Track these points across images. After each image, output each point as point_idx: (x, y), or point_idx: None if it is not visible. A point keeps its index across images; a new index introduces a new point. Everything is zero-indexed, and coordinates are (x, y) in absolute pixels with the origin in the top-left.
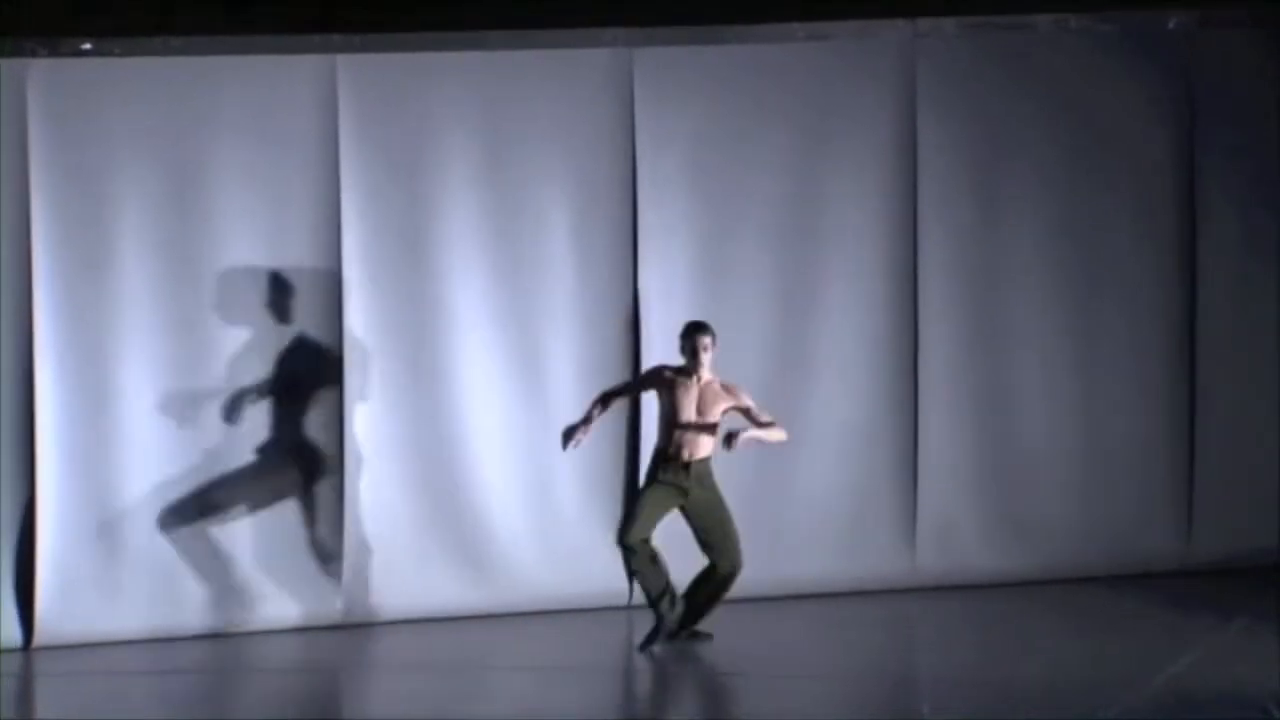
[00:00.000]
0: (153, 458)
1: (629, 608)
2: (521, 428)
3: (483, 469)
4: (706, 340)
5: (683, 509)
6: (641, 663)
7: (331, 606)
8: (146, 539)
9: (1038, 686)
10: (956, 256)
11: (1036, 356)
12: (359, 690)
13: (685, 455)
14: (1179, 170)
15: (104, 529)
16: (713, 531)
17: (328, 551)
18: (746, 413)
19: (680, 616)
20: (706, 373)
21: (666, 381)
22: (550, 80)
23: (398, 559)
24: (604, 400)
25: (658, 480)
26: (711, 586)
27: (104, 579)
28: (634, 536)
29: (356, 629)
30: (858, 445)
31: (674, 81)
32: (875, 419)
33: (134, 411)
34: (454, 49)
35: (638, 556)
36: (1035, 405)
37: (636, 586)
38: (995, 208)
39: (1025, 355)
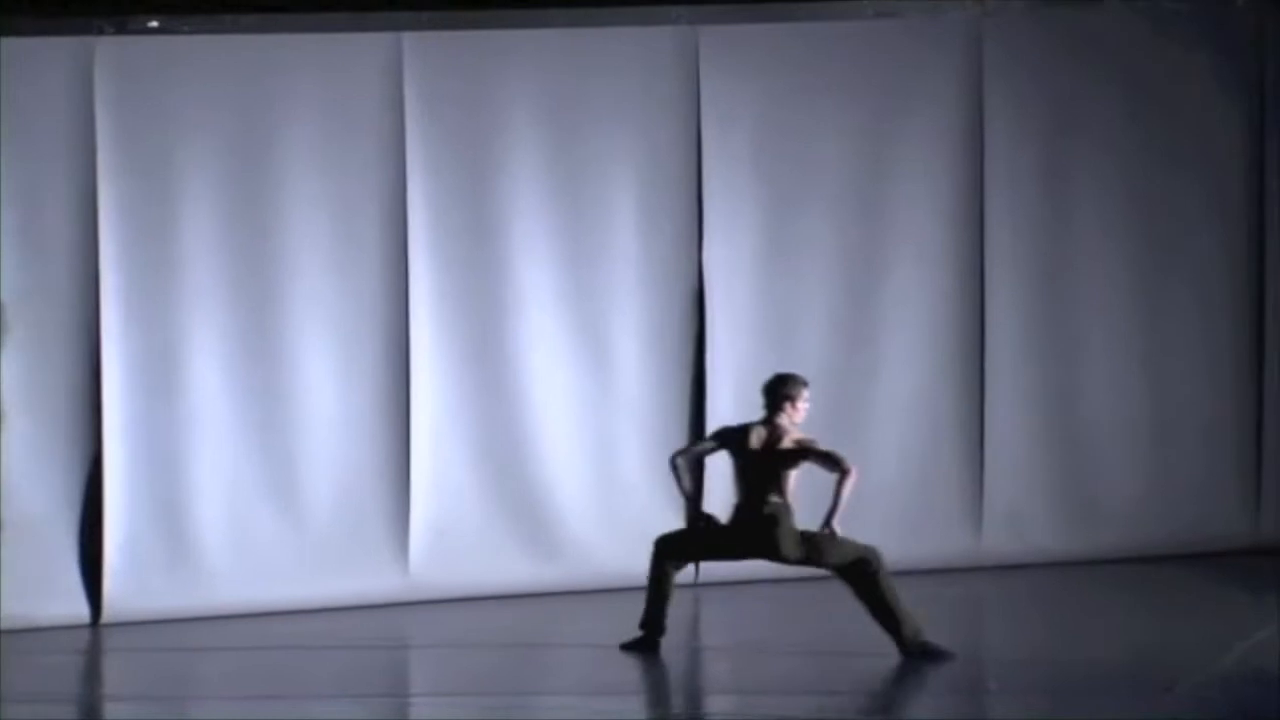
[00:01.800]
0: (220, 434)
1: (694, 585)
2: (587, 405)
3: (548, 446)
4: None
5: None
6: (707, 639)
7: (398, 583)
8: (214, 516)
9: (1105, 664)
10: (1023, 236)
11: (1103, 336)
12: (426, 667)
13: None
14: (1248, 149)
15: (172, 505)
16: None
17: (394, 529)
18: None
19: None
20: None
21: None
22: (616, 57)
23: (464, 537)
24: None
25: None
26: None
27: (172, 555)
28: None
29: (423, 606)
30: (924, 424)
31: (740, 59)
32: (942, 398)
33: (201, 388)
34: (520, 27)
35: None
36: (1102, 384)
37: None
38: (1062, 187)
39: (1092, 334)
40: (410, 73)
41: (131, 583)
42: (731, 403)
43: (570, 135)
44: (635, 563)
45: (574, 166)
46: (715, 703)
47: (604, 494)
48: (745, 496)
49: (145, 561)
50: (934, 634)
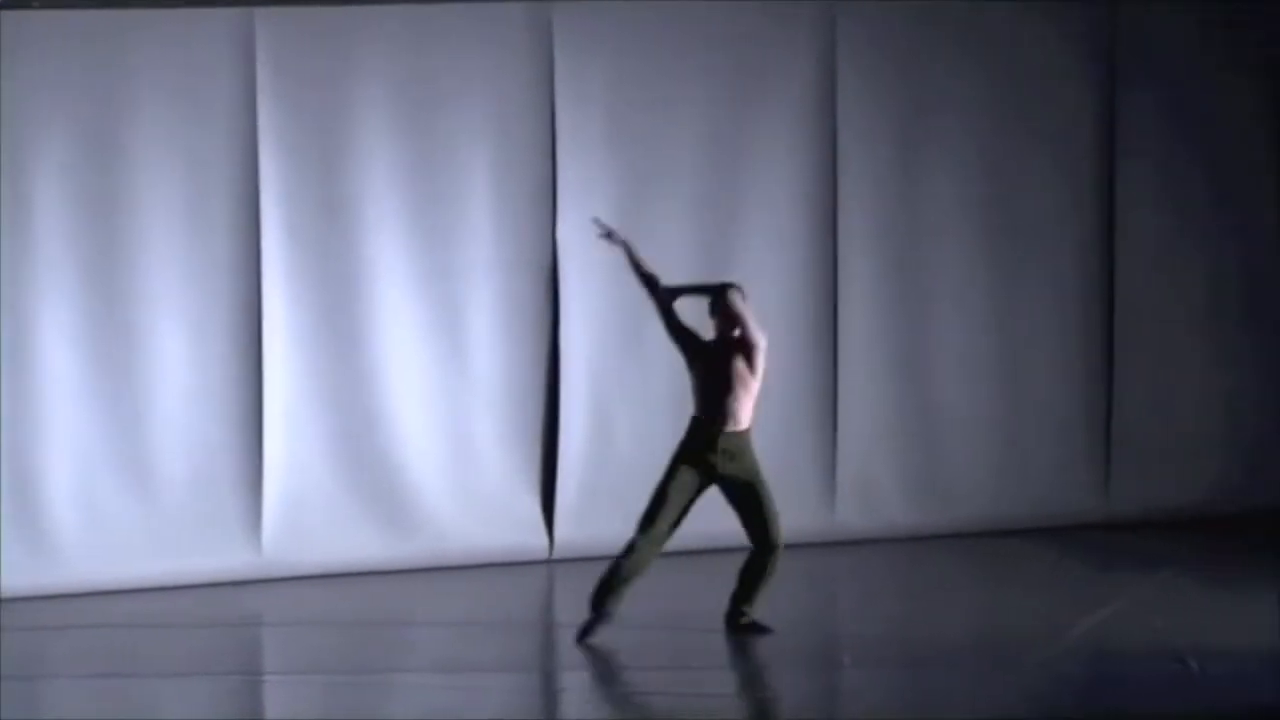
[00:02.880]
0: (71, 411)
1: (549, 561)
2: (441, 382)
3: (402, 423)
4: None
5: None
6: (562, 617)
7: (251, 561)
8: (65, 494)
9: (958, 638)
10: (876, 213)
11: (956, 311)
12: (280, 645)
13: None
14: (1099, 126)
15: (21, 484)
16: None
17: (247, 506)
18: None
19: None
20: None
21: (702, 346)
22: (470, 34)
23: (317, 513)
24: (655, 285)
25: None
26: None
27: (22, 533)
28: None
29: (277, 583)
30: (778, 401)
31: (593, 35)
32: (795, 374)
33: (51, 365)
34: (373, 2)
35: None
36: (955, 359)
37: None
38: (915, 164)
39: (945, 310)
40: (262, 48)
41: None
42: (585, 380)
43: (424, 111)
44: (490, 540)
45: (427, 143)
46: (569, 679)
47: (458, 471)
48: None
49: None
50: (787, 609)
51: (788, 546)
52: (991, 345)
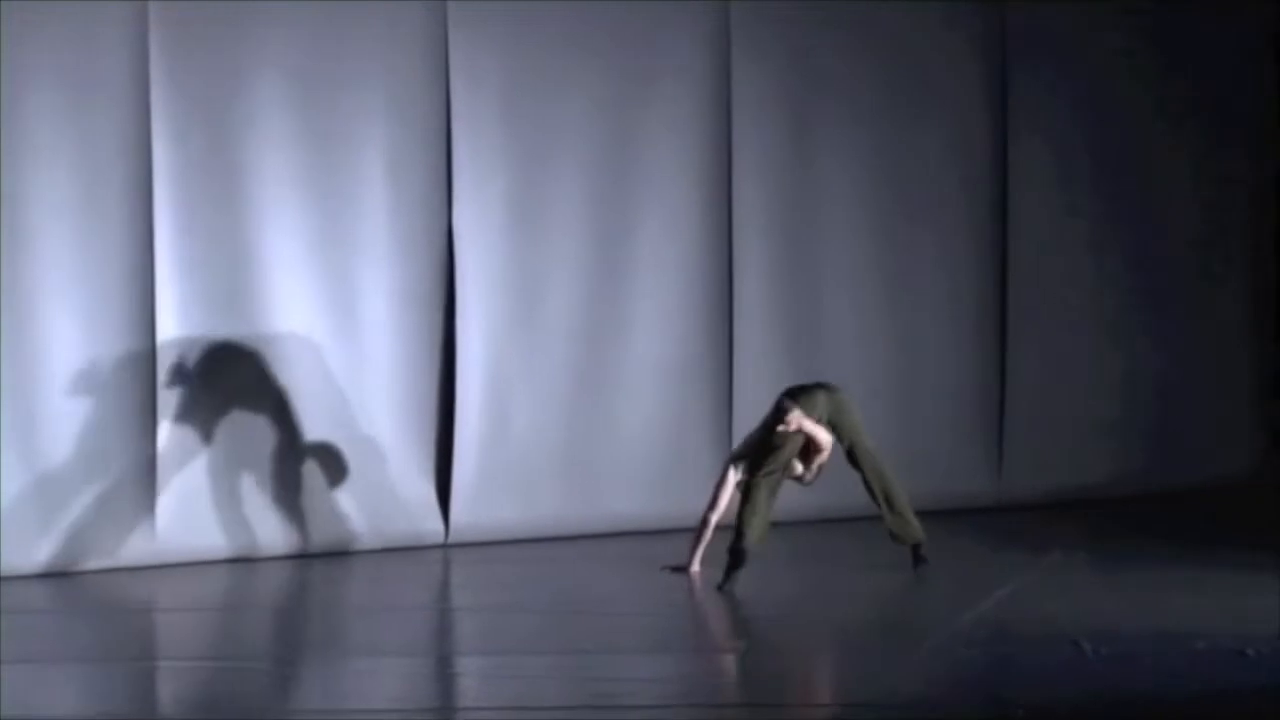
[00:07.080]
0: None
1: (444, 546)
2: (334, 365)
3: (295, 408)
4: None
5: None
6: (459, 600)
7: (146, 547)
8: None
9: (851, 621)
10: (771, 196)
11: (850, 293)
12: (174, 631)
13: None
14: (991, 108)
15: None
16: None
17: (141, 491)
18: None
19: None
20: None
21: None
22: (365, 19)
23: (211, 499)
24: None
25: None
26: None
27: None
28: None
29: (171, 569)
30: (673, 382)
31: (489, 19)
32: (690, 355)
33: None
34: None
35: None
36: (848, 342)
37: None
38: (809, 145)
39: (839, 292)
40: (155, 35)
41: None
42: (481, 365)
43: (318, 96)
44: (385, 525)
45: (322, 129)
46: (463, 664)
47: (353, 456)
48: None
49: None
50: (684, 591)
51: (686, 529)
52: (884, 328)
